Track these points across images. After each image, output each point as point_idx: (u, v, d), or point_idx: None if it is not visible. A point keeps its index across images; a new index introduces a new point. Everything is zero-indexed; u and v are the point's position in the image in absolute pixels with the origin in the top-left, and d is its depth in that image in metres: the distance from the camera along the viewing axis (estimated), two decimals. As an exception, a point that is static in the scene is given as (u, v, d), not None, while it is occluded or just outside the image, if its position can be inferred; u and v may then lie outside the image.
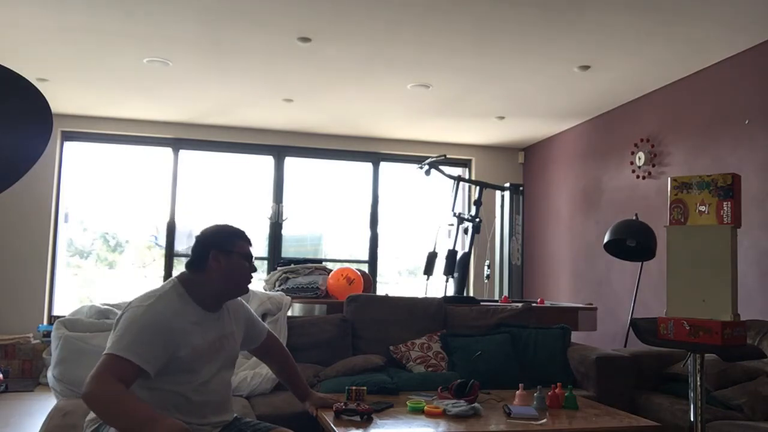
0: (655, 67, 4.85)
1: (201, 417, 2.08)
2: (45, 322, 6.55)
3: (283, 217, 7.29)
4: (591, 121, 6.39)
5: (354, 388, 2.85)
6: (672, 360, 3.88)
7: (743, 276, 4.33)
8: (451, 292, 5.40)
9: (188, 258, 2.17)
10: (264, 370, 3.38)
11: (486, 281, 6.89)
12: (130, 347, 1.89)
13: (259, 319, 2.45)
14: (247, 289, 2.21)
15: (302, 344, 3.73)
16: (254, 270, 2.22)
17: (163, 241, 7.10)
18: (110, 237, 7.36)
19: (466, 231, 5.63)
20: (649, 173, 5.42)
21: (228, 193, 7.31)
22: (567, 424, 2.68)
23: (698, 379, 2.19)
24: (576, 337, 4.50)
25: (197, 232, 2.21)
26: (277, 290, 4.68)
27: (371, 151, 7.53)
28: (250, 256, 2.21)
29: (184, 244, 7.08)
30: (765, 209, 4.25)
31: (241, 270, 2.16)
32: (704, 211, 2.20)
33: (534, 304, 4.78)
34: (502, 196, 6.64)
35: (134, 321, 1.96)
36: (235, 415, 2.29)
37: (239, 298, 2.35)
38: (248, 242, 2.23)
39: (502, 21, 4.10)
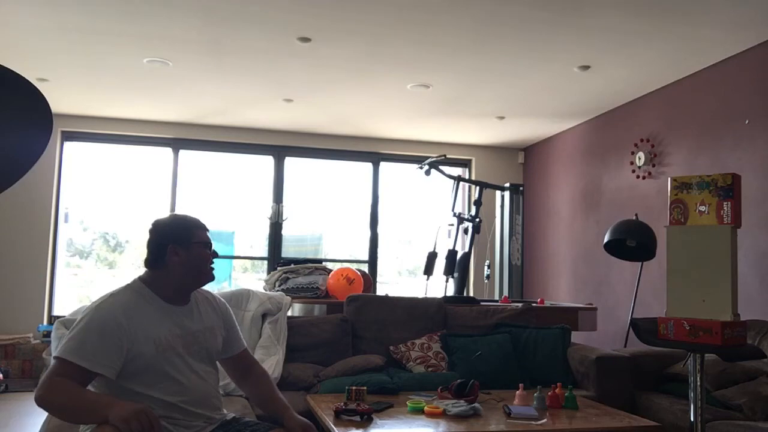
0: (655, 67, 4.85)
1: (189, 415, 2.07)
2: (45, 322, 6.55)
3: (283, 217, 7.29)
4: (591, 121, 6.39)
5: (354, 388, 2.85)
6: (672, 360, 3.88)
7: (743, 276, 4.33)
8: (451, 292, 5.40)
9: (146, 256, 2.13)
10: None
11: (486, 281, 6.89)
12: (76, 350, 1.90)
13: (239, 332, 2.35)
14: (213, 275, 2.18)
15: (302, 344, 3.74)
16: (216, 255, 2.19)
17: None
18: (110, 237, 7.36)
19: (466, 231, 5.63)
20: (649, 173, 5.42)
21: (228, 193, 7.31)
22: (567, 424, 2.68)
23: (698, 379, 2.19)
24: (576, 337, 4.50)
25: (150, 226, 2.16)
26: (277, 290, 4.68)
27: (371, 151, 7.53)
28: (209, 243, 2.18)
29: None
30: (765, 209, 4.25)
31: (202, 259, 2.14)
32: (704, 211, 2.20)
33: (534, 304, 4.78)
34: (502, 196, 6.64)
35: (80, 324, 1.97)
36: (234, 415, 2.29)
37: (225, 302, 2.34)
38: (205, 229, 2.19)
39: (501, 21, 4.10)
